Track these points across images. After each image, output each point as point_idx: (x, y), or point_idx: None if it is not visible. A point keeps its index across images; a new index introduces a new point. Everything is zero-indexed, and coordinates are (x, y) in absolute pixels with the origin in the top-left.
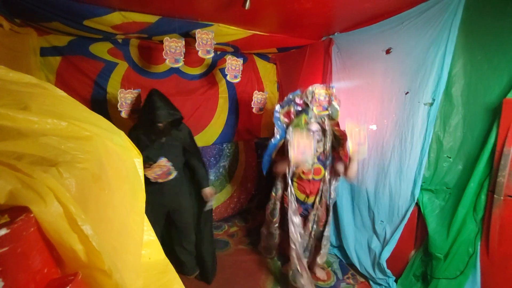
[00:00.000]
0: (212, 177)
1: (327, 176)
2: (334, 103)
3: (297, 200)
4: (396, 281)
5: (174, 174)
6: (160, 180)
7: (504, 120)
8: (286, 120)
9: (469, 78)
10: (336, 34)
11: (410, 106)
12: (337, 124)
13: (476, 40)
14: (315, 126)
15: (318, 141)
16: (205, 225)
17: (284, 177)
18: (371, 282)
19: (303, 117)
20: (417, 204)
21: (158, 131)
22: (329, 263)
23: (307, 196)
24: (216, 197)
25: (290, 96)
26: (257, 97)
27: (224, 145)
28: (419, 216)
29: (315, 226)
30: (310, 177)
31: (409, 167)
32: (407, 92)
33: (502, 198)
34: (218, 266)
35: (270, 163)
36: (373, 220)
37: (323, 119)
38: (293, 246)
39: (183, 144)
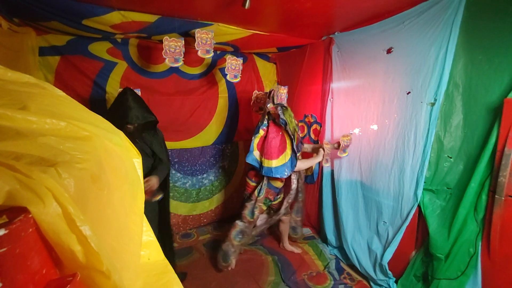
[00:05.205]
0: (211, 177)
1: None
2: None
3: None
4: (396, 281)
5: None
6: None
7: (505, 120)
8: None
9: (470, 78)
10: (336, 33)
11: (413, 106)
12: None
13: (477, 40)
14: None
15: None
16: None
17: None
18: (371, 283)
19: None
20: (418, 204)
21: (127, 133)
22: (325, 264)
23: None
24: (216, 198)
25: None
26: (257, 97)
27: (223, 145)
28: (419, 217)
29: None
30: None
31: (412, 168)
32: (409, 92)
33: (503, 198)
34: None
35: None
36: (376, 221)
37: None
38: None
39: (153, 149)
